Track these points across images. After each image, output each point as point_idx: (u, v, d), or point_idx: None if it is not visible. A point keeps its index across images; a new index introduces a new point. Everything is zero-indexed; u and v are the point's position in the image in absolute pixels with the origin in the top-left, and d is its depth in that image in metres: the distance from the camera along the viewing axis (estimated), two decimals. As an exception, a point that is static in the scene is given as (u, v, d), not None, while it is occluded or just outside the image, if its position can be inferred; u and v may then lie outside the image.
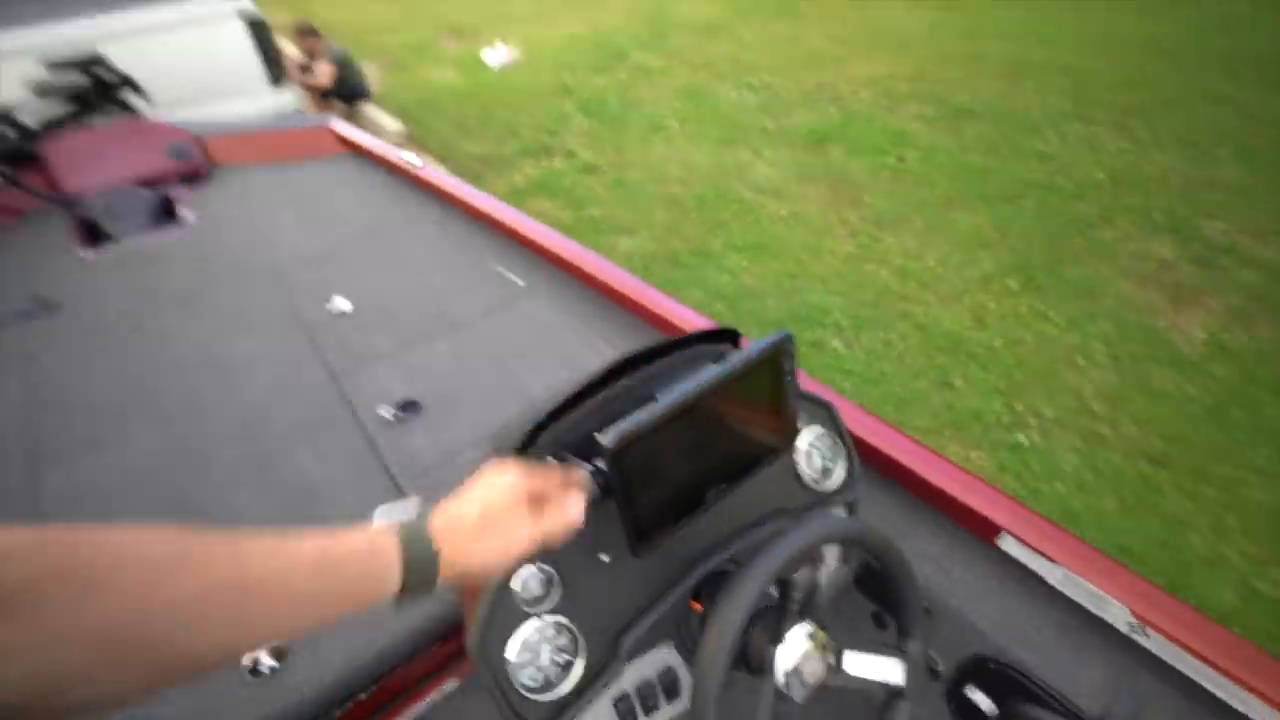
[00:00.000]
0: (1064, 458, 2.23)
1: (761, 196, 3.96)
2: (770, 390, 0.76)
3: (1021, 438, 2.32)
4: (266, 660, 0.94)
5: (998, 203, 3.71)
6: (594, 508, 0.74)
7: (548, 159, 4.59)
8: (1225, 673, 0.78)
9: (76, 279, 1.86)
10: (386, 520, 0.53)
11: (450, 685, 1.05)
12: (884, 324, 2.92)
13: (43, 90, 2.52)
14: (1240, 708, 0.78)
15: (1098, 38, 5.97)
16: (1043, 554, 0.93)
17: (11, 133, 2.31)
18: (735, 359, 0.70)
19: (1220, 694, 0.79)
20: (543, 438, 0.76)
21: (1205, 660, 0.79)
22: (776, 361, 0.74)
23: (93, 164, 2.26)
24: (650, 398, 0.70)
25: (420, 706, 1.02)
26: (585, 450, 0.73)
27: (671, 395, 0.66)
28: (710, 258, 3.46)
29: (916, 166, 4.15)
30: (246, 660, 0.93)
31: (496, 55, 6.36)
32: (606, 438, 0.62)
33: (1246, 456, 2.19)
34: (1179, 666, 0.82)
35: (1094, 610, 0.90)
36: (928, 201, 3.79)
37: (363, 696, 0.96)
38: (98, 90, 2.62)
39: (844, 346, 2.82)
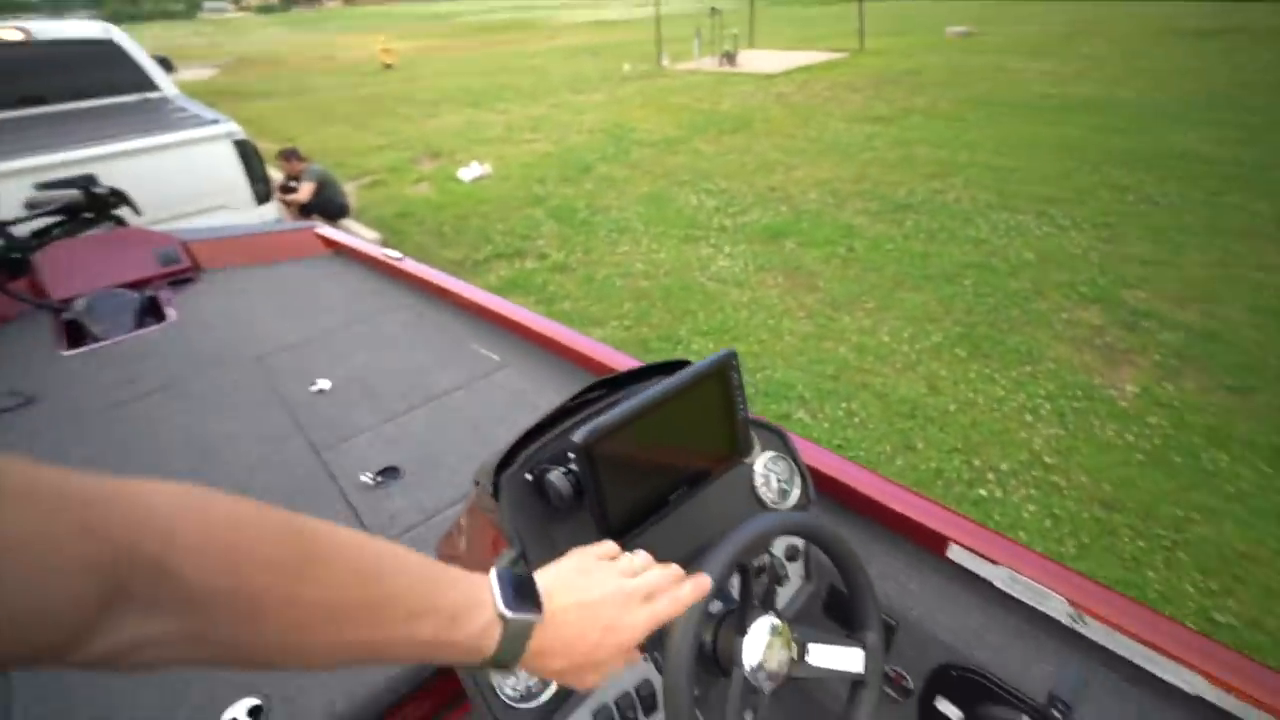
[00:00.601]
0: (1024, 508, 2.32)
1: (723, 286, 4.22)
2: (721, 402, 0.86)
3: (982, 491, 2.41)
4: (244, 718, 0.94)
5: (941, 282, 4.01)
6: (568, 514, 0.81)
7: (520, 261, 4.84)
8: (1156, 648, 0.84)
9: (56, 375, 1.91)
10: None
11: None
12: (845, 395, 3.06)
13: (34, 205, 2.66)
14: (1171, 679, 0.84)
15: (1013, 143, 6.69)
16: (988, 559, 1.01)
17: (1, 244, 2.43)
18: (687, 371, 0.81)
19: (1152, 668, 0.85)
20: (520, 457, 0.84)
21: (1138, 639, 0.86)
22: (725, 376, 0.85)
23: (80, 271, 2.36)
24: None
25: None
26: (559, 461, 0.81)
27: (633, 400, 0.76)
28: (678, 343, 3.63)
29: (864, 254, 4.49)
30: (224, 719, 0.93)
31: (470, 171, 6.82)
32: (577, 435, 0.70)
33: (1189, 497, 2.31)
34: (1115, 648, 0.88)
35: (1037, 606, 0.96)
36: (877, 284, 4.08)
37: None
38: (89, 204, 2.78)
39: (809, 417, 2.94)
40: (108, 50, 4.42)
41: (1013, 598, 0.99)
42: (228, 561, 0.36)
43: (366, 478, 1.41)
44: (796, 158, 6.74)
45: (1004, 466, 2.53)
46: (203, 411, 1.68)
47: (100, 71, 4.41)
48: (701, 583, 0.63)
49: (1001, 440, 2.69)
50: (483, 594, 0.49)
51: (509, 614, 0.49)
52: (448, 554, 1.02)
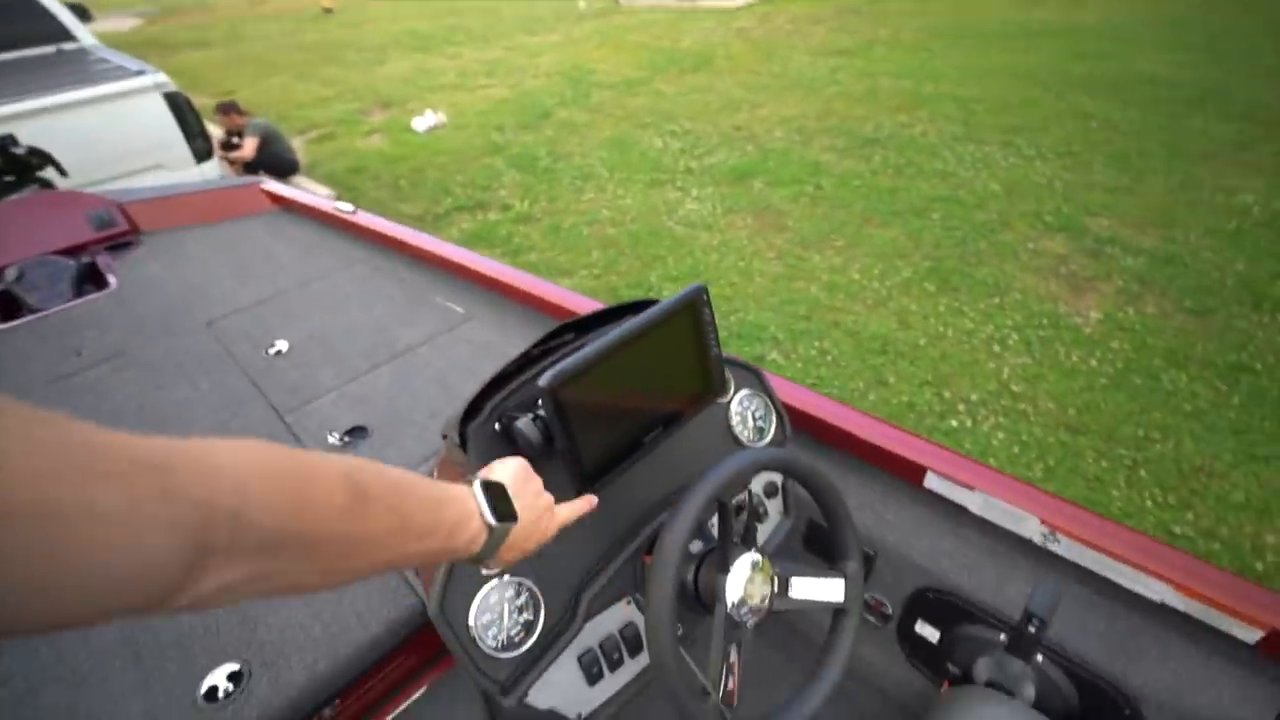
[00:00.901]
0: (993, 435, 2.38)
1: (692, 230, 4.15)
2: (693, 340, 0.83)
3: (953, 422, 2.46)
4: (224, 684, 0.91)
5: (909, 217, 4.00)
6: (540, 460, 0.78)
7: (483, 212, 4.69)
8: (1124, 560, 0.86)
9: None
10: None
11: (418, 693, 1.03)
12: (818, 334, 3.07)
13: None
14: (1139, 589, 0.86)
15: (977, 72, 6.60)
16: (963, 484, 1.01)
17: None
18: (655, 308, 0.77)
19: (1121, 580, 0.87)
20: (486, 407, 0.80)
21: (1107, 553, 0.88)
22: (695, 312, 0.81)
23: (6, 239, 2.20)
24: None
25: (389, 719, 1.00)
26: (527, 408, 0.77)
27: (600, 341, 0.72)
28: (649, 289, 3.58)
29: (832, 192, 4.44)
30: (203, 686, 0.90)
31: (424, 121, 6.51)
32: (543, 379, 0.67)
33: (1150, 416, 2.39)
34: (1085, 563, 0.90)
35: (1011, 528, 0.97)
36: (846, 221, 4.05)
37: (327, 713, 0.94)
38: (8, 166, 2.58)
39: (782, 358, 2.95)
40: (11, -3, 4.03)
41: (987, 521, 1.00)
42: (295, 508, 0.40)
43: (334, 439, 1.36)
44: (761, 95, 6.57)
45: (974, 397, 2.58)
46: (155, 381, 1.60)
47: (6, 21, 4.03)
48: (589, 500, 0.73)
49: (971, 371, 2.73)
50: (470, 505, 0.58)
51: (495, 524, 0.58)
52: None
